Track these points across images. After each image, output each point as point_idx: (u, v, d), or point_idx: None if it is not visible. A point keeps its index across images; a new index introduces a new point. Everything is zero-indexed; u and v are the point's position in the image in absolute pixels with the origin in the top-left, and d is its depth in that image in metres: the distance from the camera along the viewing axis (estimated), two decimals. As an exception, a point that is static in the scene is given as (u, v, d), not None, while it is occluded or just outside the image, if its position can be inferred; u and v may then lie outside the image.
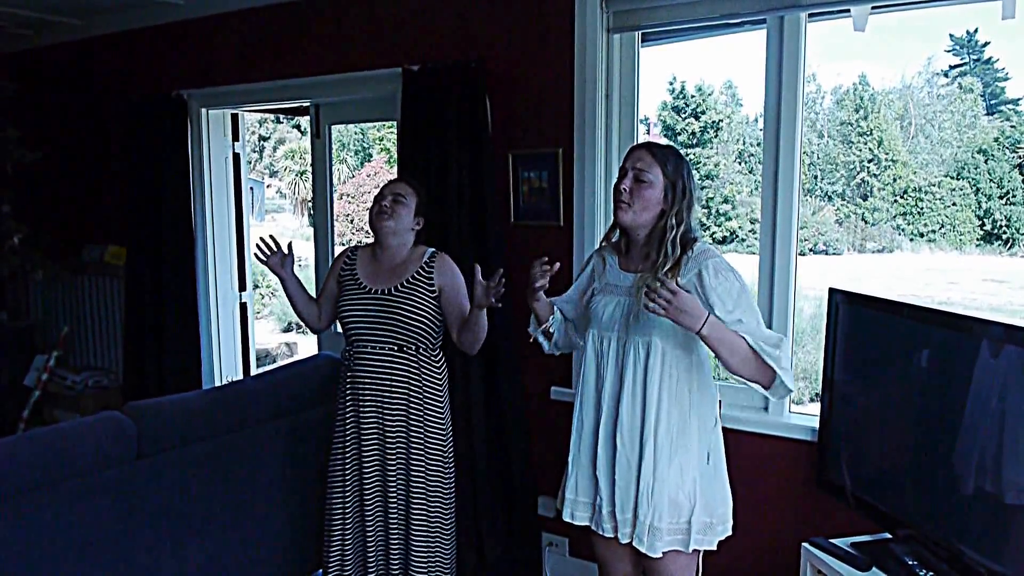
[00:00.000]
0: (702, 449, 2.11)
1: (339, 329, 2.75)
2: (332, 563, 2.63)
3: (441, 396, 2.65)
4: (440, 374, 2.66)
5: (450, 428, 2.68)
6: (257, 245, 2.73)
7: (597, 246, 2.34)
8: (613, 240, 2.26)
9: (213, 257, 4.23)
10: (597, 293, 2.23)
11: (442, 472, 2.62)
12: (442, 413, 2.64)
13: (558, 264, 2.20)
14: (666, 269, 2.04)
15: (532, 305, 2.31)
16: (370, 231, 2.66)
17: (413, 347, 2.58)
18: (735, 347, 1.99)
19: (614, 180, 2.99)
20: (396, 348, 2.57)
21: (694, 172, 2.21)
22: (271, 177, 27.14)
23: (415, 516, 2.58)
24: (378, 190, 2.72)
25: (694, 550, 2.10)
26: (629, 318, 2.11)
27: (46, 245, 4.81)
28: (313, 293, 2.86)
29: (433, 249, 2.68)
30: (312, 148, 3.97)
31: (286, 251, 2.72)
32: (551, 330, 2.38)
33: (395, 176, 3.04)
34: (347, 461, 2.60)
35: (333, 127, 3.94)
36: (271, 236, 2.76)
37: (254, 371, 4.51)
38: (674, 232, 2.07)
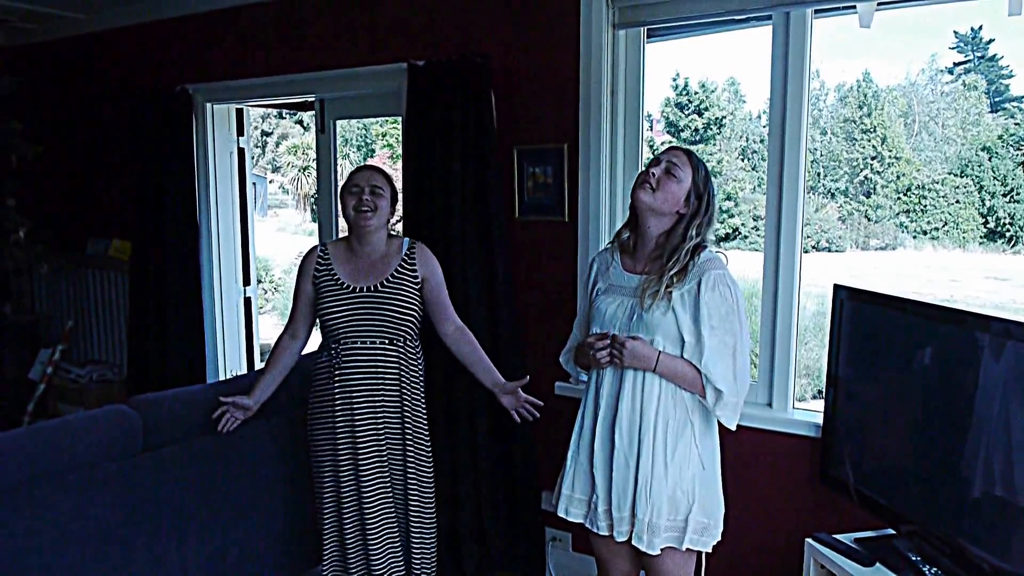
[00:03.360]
0: (703, 449, 2.11)
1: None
2: (333, 560, 2.62)
3: (422, 384, 2.69)
4: (421, 362, 2.70)
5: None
6: (221, 419, 2.58)
7: (608, 243, 2.33)
8: (624, 237, 2.25)
9: (217, 252, 4.24)
10: (601, 293, 2.22)
11: (429, 457, 2.69)
12: (423, 400, 2.69)
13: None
14: (673, 273, 2.05)
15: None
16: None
17: (402, 339, 2.59)
18: (687, 378, 2.06)
19: (619, 176, 3.03)
20: (387, 342, 2.57)
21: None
22: (273, 172, 27.14)
23: (414, 506, 2.63)
24: (348, 177, 2.61)
25: (688, 549, 2.10)
26: (632, 318, 2.11)
27: (50, 239, 4.82)
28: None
29: (409, 239, 2.69)
30: (316, 143, 3.97)
31: (240, 407, 2.60)
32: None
33: (400, 171, 3.03)
34: (342, 458, 2.56)
35: (337, 122, 3.94)
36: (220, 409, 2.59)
37: (257, 366, 4.51)
38: (691, 242, 2.09)
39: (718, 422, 2.15)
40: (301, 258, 2.72)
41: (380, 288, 2.57)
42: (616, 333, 2.11)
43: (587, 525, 2.21)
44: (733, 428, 2.12)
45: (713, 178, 2.19)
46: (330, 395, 2.59)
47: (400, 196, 2.76)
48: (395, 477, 2.61)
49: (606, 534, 2.16)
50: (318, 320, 2.65)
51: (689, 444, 2.09)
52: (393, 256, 2.62)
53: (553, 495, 2.30)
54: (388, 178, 2.63)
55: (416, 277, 2.62)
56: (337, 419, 2.57)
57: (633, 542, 2.09)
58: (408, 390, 2.61)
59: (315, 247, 2.72)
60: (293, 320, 2.71)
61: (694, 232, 2.10)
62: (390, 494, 2.60)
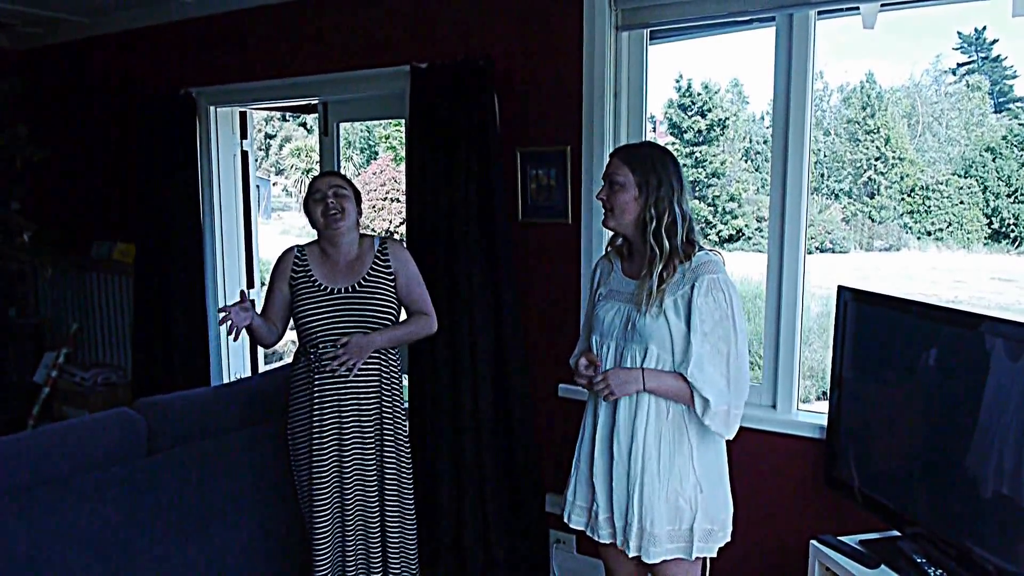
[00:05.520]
0: (703, 459, 2.09)
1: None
2: (323, 565, 2.58)
3: (401, 383, 2.68)
4: (399, 361, 2.69)
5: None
6: (222, 314, 2.39)
7: (606, 248, 2.33)
8: (618, 243, 2.25)
9: (221, 254, 4.24)
10: (601, 299, 2.21)
11: (408, 458, 2.67)
12: (403, 400, 2.68)
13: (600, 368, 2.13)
14: (660, 270, 2.03)
15: None
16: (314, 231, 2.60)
17: None
18: (675, 391, 2.04)
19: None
20: None
21: (680, 162, 2.15)
22: (277, 175, 27.18)
23: (391, 506, 2.62)
24: (309, 187, 2.63)
25: (697, 557, 2.09)
26: (628, 325, 2.09)
27: (55, 242, 4.83)
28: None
29: (381, 236, 2.70)
30: (320, 146, 3.98)
31: (248, 303, 2.48)
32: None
33: (403, 173, 3.04)
34: (327, 462, 2.54)
35: (340, 125, 3.94)
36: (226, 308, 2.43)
37: (261, 369, 4.52)
38: (653, 225, 2.05)
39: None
40: (276, 258, 2.69)
41: (357, 288, 2.57)
42: (610, 342, 2.11)
43: (588, 533, 2.20)
44: (730, 436, 2.08)
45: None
46: (308, 401, 2.56)
47: (404, 199, 2.77)
48: (373, 483, 2.59)
49: (608, 541, 2.16)
50: (295, 325, 2.62)
51: (687, 456, 2.07)
52: (366, 255, 2.63)
53: (561, 499, 2.30)
54: (347, 179, 2.68)
55: (390, 272, 2.62)
56: (314, 426, 2.54)
57: (630, 552, 2.08)
58: (387, 392, 2.60)
59: (291, 248, 2.71)
60: (266, 317, 2.64)
61: (654, 212, 2.05)
62: (368, 500, 2.58)
